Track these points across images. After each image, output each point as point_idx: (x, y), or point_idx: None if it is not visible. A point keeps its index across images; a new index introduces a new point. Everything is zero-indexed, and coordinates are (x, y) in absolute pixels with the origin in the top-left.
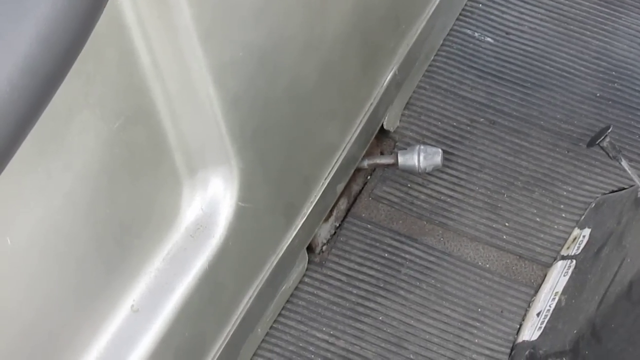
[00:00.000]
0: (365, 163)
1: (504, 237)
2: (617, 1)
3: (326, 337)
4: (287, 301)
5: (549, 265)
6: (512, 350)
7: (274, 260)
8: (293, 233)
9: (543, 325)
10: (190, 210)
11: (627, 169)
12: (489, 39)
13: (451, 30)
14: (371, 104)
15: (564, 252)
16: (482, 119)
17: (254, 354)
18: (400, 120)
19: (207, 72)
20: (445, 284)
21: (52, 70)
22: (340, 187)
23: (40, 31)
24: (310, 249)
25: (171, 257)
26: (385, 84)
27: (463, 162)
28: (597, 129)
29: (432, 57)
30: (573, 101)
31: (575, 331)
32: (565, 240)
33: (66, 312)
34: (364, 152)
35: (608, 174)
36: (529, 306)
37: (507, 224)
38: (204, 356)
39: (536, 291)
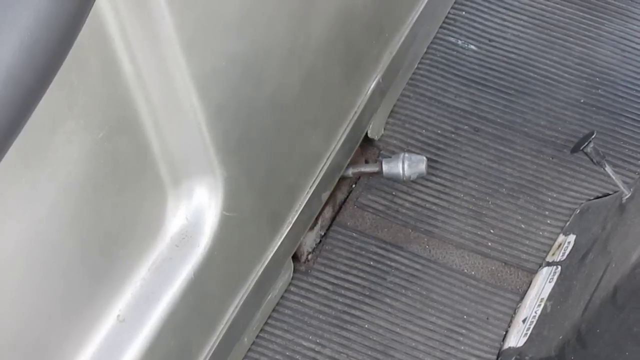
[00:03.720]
0: (350, 171)
1: (489, 244)
2: (600, 8)
3: (312, 346)
4: (273, 310)
5: (534, 272)
6: (498, 357)
7: (259, 269)
8: (278, 242)
9: (529, 332)
10: (175, 220)
11: (611, 174)
12: (472, 47)
13: (435, 38)
14: (355, 112)
15: (549, 259)
16: (466, 127)
17: None
18: (384, 129)
19: (190, 81)
20: (430, 292)
21: (35, 81)
22: (325, 196)
23: (23, 41)
24: (295, 257)
25: (157, 267)
26: (369, 92)
27: (447, 169)
28: (581, 135)
29: (416, 65)
30: (557, 107)
31: (560, 337)
32: (551, 246)
33: (52, 322)
34: (349, 160)
35: (592, 180)
36: (514, 313)
37: (492, 231)
38: None
39: (522, 298)
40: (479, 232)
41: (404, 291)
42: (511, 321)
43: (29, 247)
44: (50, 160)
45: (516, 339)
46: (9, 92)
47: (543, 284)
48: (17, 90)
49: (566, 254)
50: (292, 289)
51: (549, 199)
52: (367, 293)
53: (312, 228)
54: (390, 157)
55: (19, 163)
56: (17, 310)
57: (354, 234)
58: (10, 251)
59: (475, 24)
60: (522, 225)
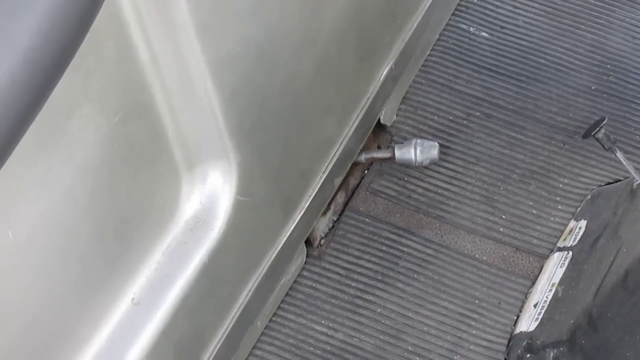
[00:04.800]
0: (363, 157)
1: (501, 229)
2: None
3: (325, 330)
4: (286, 294)
5: (545, 257)
6: (509, 341)
7: (272, 254)
8: (291, 226)
9: (540, 316)
10: (190, 204)
11: (622, 160)
12: (484, 34)
13: (447, 25)
14: (368, 99)
15: (560, 244)
16: (478, 113)
17: (254, 347)
18: (397, 115)
19: (205, 67)
20: (442, 277)
21: (52, 65)
22: (338, 181)
23: (40, 25)
24: (308, 242)
25: (171, 251)
26: (381, 78)
27: (459, 155)
28: (592, 122)
29: (428, 52)
30: (568, 94)
31: (572, 321)
32: (562, 232)
33: (67, 305)
34: (361, 146)
35: (603, 166)
36: (526, 297)
37: (503, 217)
38: (203, 349)
39: (533, 282)
40: (490, 218)
41: (416, 276)
42: (522, 306)
43: (45, 230)
44: (66, 143)
45: (527, 323)
46: (27, 75)
47: (554, 269)
48: (34, 74)
49: (577, 239)
50: (304, 273)
51: (560, 185)
52: (380, 278)
53: (324, 213)
54: (402, 142)
55: (36, 146)
56: (34, 292)
57: (367, 219)
58: (27, 234)
59: (487, 11)
60: (534, 211)
